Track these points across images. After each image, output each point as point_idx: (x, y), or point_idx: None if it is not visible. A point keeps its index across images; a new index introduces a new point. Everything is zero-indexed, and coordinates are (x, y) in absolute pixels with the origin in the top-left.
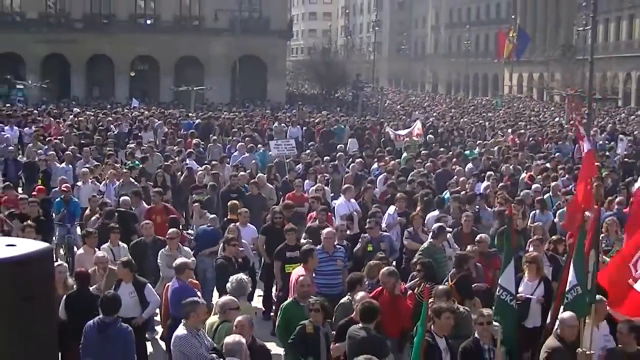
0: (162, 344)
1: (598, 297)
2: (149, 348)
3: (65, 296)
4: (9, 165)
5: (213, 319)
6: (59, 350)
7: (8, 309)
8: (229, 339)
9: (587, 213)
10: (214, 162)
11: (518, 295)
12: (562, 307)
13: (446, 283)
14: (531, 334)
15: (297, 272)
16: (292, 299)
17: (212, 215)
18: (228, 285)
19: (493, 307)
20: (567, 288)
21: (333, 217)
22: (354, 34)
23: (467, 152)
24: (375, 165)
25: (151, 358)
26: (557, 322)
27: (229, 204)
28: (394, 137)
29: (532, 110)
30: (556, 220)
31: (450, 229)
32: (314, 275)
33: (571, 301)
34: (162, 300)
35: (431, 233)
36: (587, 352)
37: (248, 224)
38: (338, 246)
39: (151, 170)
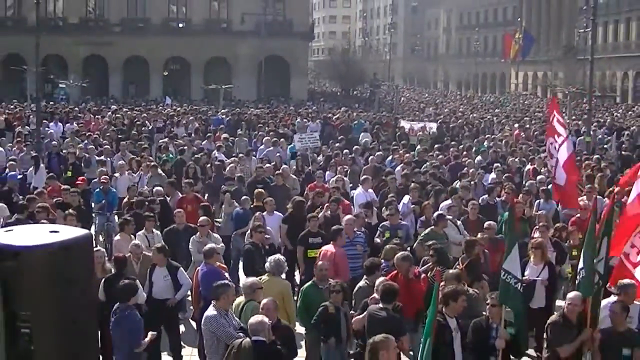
0: (194, 323)
1: (628, 281)
2: (182, 328)
3: (103, 279)
4: (52, 158)
5: (240, 299)
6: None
7: (53, 291)
8: (253, 320)
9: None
10: (241, 155)
11: (524, 278)
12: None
13: (457, 267)
14: (536, 314)
15: (327, 248)
16: (312, 281)
17: (244, 197)
18: (267, 264)
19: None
20: (577, 270)
21: (352, 206)
22: (371, 36)
23: (477, 145)
24: (389, 158)
25: (183, 337)
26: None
27: (255, 192)
28: (408, 130)
29: (537, 107)
30: (559, 208)
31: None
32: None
33: (579, 282)
34: (193, 283)
35: (432, 220)
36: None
37: (274, 212)
38: (357, 232)
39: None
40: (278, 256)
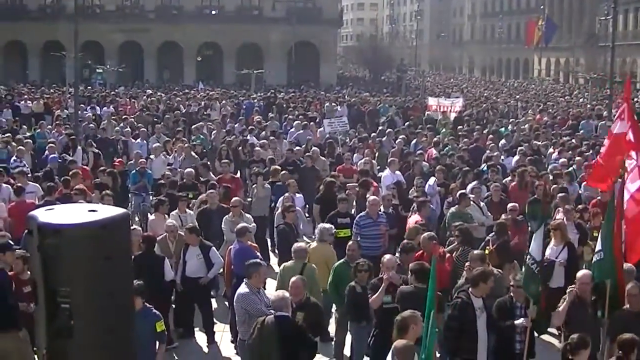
0: (226, 301)
1: None
2: (214, 304)
3: (132, 256)
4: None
5: (292, 263)
6: None
7: (91, 267)
8: (275, 296)
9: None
10: (272, 138)
11: (544, 258)
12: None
13: (487, 248)
14: (554, 294)
15: (414, 219)
16: (343, 259)
17: (283, 172)
18: (316, 231)
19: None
20: (596, 251)
21: (380, 188)
22: (398, 23)
23: (502, 129)
24: (414, 141)
25: (215, 314)
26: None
27: (280, 174)
28: (435, 107)
29: (559, 92)
30: (581, 191)
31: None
32: (358, 239)
33: (594, 264)
34: (226, 261)
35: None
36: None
37: (297, 194)
38: (381, 213)
39: (217, 145)
40: (325, 224)
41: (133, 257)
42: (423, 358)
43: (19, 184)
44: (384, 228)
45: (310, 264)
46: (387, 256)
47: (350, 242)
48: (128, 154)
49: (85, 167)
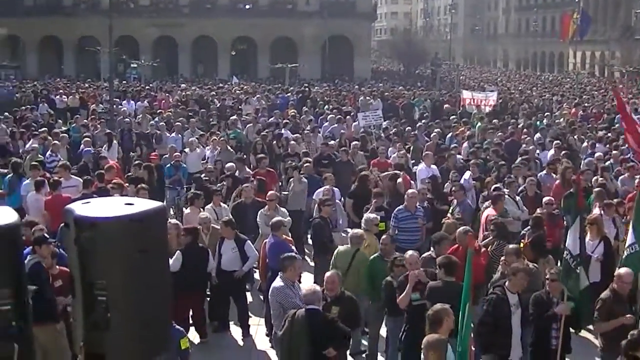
0: (261, 295)
1: None
2: (249, 298)
3: (178, 251)
4: (124, 135)
5: (346, 247)
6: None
7: (127, 260)
8: (306, 289)
9: None
10: (306, 132)
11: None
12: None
13: (522, 242)
14: (591, 289)
15: (488, 212)
16: (378, 254)
17: (307, 164)
18: (362, 222)
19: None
20: (626, 245)
21: (413, 182)
22: (432, 16)
23: (537, 123)
24: (449, 135)
25: (250, 307)
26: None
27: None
28: (469, 101)
29: (594, 86)
30: (617, 185)
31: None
32: (396, 232)
33: (627, 257)
34: (261, 255)
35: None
36: None
37: (333, 188)
38: (419, 206)
39: (251, 139)
40: (373, 215)
41: (179, 251)
42: (459, 351)
43: (57, 178)
44: (421, 222)
45: (363, 250)
46: (410, 252)
47: (384, 236)
48: (163, 147)
49: (116, 162)
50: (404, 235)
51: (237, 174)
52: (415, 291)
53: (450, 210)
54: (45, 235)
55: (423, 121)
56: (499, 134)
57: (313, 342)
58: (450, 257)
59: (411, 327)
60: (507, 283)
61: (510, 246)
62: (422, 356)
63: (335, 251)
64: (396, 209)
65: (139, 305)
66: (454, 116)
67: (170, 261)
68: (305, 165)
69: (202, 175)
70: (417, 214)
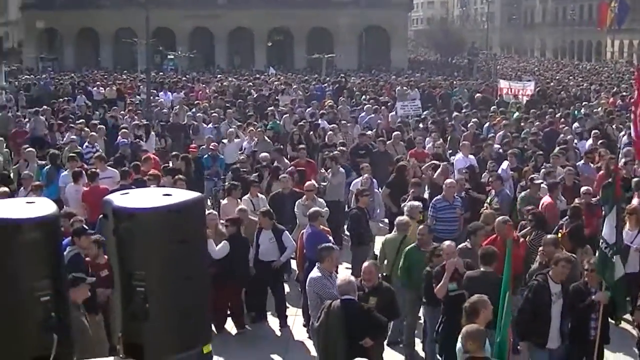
0: (298, 285)
1: None
2: (286, 289)
3: (224, 241)
4: (162, 126)
5: (394, 234)
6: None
7: (166, 251)
8: (341, 280)
9: None
10: (343, 122)
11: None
12: None
13: (560, 232)
14: (629, 279)
15: (545, 200)
16: (414, 244)
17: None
18: (406, 209)
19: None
20: None
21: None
22: (468, 5)
23: (575, 112)
24: (487, 124)
25: (288, 297)
26: None
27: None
28: (507, 90)
29: (632, 74)
30: None
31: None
32: (434, 222)
33: None
34: (298, 245)
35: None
36: None
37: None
38: (457, 196)
39: (288, 130)
40: (415, 203)
41: (224, 241)
42: (498, 341)
43: (94, 169)
44: (459, 211)
45: (409, 237)
46: (447, 242)
47: (421, 226)
48: (200, 138)
49: (154, 153)
50: (442, 225)
51: (274, 164)
52: (452, 281)
53: (487, 200)
54: (85, 226)
55: (463, 111)
56: (537, 123)
57: (349, 332)
58: (489, 248)
59: (448, 317)
60: (550, 272)
61: (549, 236)
62: (459, 345)
63: (383, 239)
64: (434, 199)
65: (177, 296)
66: (493, 106)
67: (216, 249)
68: (336, 154)
69: (236, 166)
70: (455, 204)
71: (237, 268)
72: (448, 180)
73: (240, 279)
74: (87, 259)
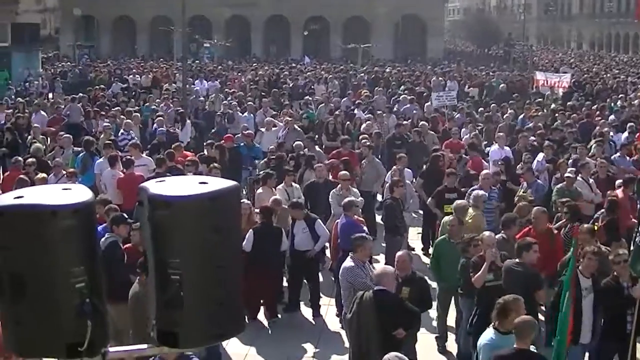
0: (331, 275)
1: None
2: (320, 277)
3: (252, 230)
4: (198, 114)
5: (449, 217)
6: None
7: (201, 239)
8: (377, 270)
9: None
10: (379, 112)
11: None
12: None
13: (595, 225)
14: None
15: (619, 193)
16: (444, 236)
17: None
18: (471, 198)
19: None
20: None
21: (486, 163)
22: None
23: (612, 105)
24: (522, 116)
25: (321, 287)
26: None
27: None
28: (543, 82)
29: None
30: None
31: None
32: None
33: None
34: (332, 235)
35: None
36: None
37: (406, 169)
38: (493, 187)
39: (323, 119)
40: (479, 191)
41: (252, 230)
42: (558, 339)
43: (129, 157)
44: (495, 203)
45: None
46: (487, 233)
47: (451, 218)
48: (235, 127)
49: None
50: None
51: (307, 152)
52: (489, 272)
53: (520, 192)
54: (124, 214)
55: (493, 104)
56: (573, 115)
57: (382, 323)
58: (525, 239)
59: (482, 309)
60: (579, 266)
61: (585, 225)
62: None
63: (442, 221)
64: (470, 190)
65: (211, 285)
66: (533, 97)
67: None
68: (371, 144)
69: (269, 155)
70: (491, 195)
71: (267, 257)
72: (484, 172)
73: (272, 268)
74: (128, 245)
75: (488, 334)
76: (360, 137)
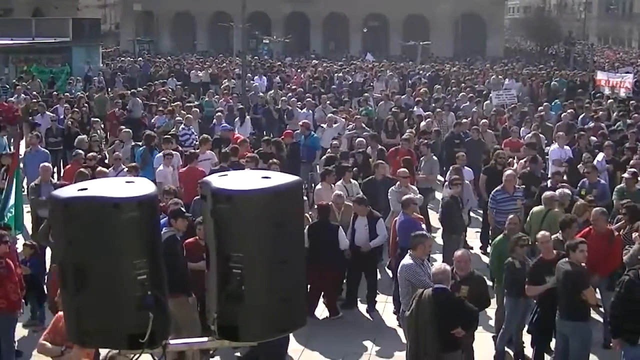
0: (389, 272)
1: None
2: (378, 275)
3: (308, 227)
4: (258, 109)
5: (539, 208)
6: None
7: (263, 234)
8: (436, 268)
9: None
10: (438, 110)
11: None
12: None
13: None
14: None
15: None
16: (503, 234)
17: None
18: (558, 193)
19: None
20: None
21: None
22: None
23: None
24: (582, 115)
25: (379, 284)
26: None
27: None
28: (604, 82)
29: None
30: None
31: None
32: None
33: None
34: (391, 232)
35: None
36: None
37: (465, 167)
38: (517, 187)
39: (382, 116)
40: (565, 189)
41: (308, 227)
42: None
43: (193, 151)
44: (520, 202)
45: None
46: (542, 232)
47: (511, 216)
48: (294, 123)
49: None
50: (502, 217)
51: (368, 150)
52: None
53: (582, 192)
54: (182, 208)
55: (561, 101)
56: (635, 115)
57: (440, 321)
58: (576, 239)
59: (543, 310)
60: None
61: None
62: None
63: (530, 212)
64: (494, 191)
65: (273, 279)
66: (596, 96)
67: None
68: (429, 142)
69: (329, 151)
70: (516, 195)
71: (323, 255)
72: (507, 172)
73: (329, 266)
74: (191, 240)
75: None
76: (420, 135)
